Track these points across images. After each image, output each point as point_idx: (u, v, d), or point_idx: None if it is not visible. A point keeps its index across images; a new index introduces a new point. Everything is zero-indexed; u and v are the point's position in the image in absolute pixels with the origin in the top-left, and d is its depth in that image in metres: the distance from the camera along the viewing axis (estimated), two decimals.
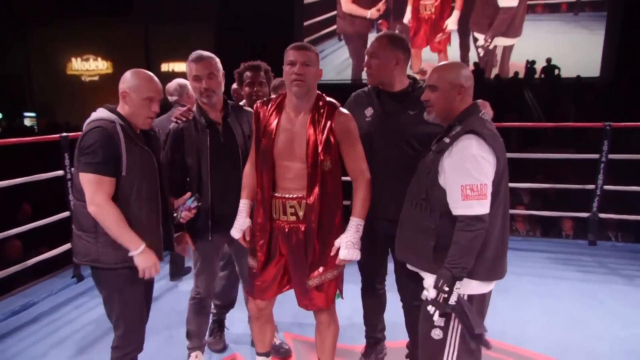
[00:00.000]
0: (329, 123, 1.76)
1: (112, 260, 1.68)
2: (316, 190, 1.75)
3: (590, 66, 11.79)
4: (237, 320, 2.62)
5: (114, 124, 1.65)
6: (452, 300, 1.50)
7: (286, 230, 1.82)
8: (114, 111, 1.70)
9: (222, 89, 2.09)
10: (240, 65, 2.43)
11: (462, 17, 13.00)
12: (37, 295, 3.06)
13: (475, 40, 12.96)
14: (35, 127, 13.53)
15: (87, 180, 1.62)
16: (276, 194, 1.82)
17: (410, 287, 1.91)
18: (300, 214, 1.79)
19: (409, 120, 1.88)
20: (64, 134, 3.26)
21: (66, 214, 3.31)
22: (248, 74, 2.39)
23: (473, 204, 1.50)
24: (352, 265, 1.93)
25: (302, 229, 1.79)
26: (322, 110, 1.78)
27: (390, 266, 2.08)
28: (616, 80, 10.84)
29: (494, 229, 1.56)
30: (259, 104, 1.88)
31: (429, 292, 1.55)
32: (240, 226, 1.91)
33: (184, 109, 2.12)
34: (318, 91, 1.83)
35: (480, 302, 1.62)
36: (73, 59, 16.13)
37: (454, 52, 12.88)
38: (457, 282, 1.50)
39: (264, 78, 2.40)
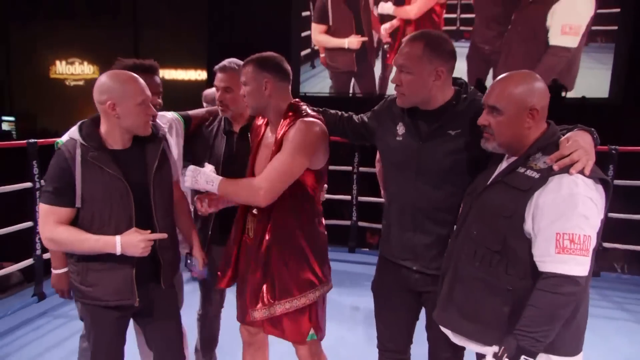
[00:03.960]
0: (285, 132, 1.64)
1: (77, 294, 1.64)
2: (269, 209, 1.65)
3: (598, 88, 11.91)
4: None
5: (74, 145, 1.52)
6: None
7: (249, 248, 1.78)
8: (84, 127, 1.55)
9: (244, 105, 1.97)
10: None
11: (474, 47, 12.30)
12: None
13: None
14: (14, 133, 13.47)
15: (40, 211, 1.54)
16: (254, 212, 1.76)
17: (446, 354, 1.67)
18: (251, 232, 1.74)
19: (449, 146, 1.54)
20: (32, 140, 3.20)
21: (28, 224, 3.25)
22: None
23: (569, 261, 1.22)
24: (335, 296, 1.85)
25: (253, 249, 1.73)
26: (285, 123, 1.68)
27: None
28: (627, 102, 10.95)
29: (586, 291, 1.35)
30: (257, 118, 1.87)
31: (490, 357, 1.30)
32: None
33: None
34: (294, 101, 1.71)
35: None
36: (57, 62, 16.17)
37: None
38: (524, 356, 1.24)
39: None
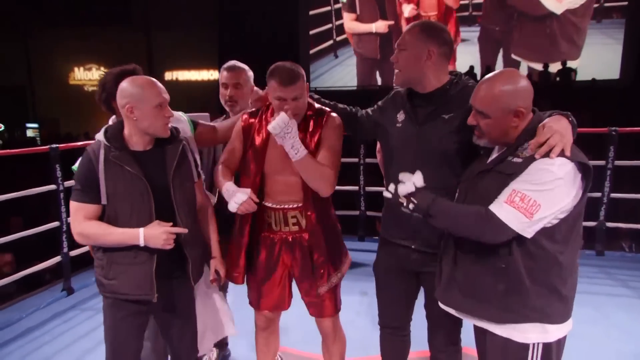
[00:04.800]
0: (318, 132, 1.75)
1: (100, 287, 1.68)
2: (312, 200, 1.77)
3: (609, 68, 11.72)
4: None
5: (99, 146, 1.60)
6: (407, 206, 1.47)
7: (290, 240, 1.83)
8: (109, 129, 1.64)
9: (248, 101, 2.09)
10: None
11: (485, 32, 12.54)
12: (25, 309, 3.14)
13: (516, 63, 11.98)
14: (38, 139, 13.81)
15: (71, 208, 1.61)
16: (273, 205, 1.81)
17: (444, 330, 1.77)
18: (303, 222, 1.81)
19: (443, 129, 1.63)
20: (54, 145, 3.35)
21: (55, 224, 3.40)
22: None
23: (510, 211, 1.31)
24: (344, 282, 1.93)
25: (307, 237, 1.81)
26: (311, 121, 1.76)
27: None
28: (638, 82, 10.74)
29: (573, 265, 1.41)
30: (246, 116, 1.87)
31: (406, 185, 1.47)
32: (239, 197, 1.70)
33: None
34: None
35: (559, 349, 1.45)
36: (76, 69, 16.50)
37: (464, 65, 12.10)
38: (416, 212, 1.45)
39: None
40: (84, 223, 1.58)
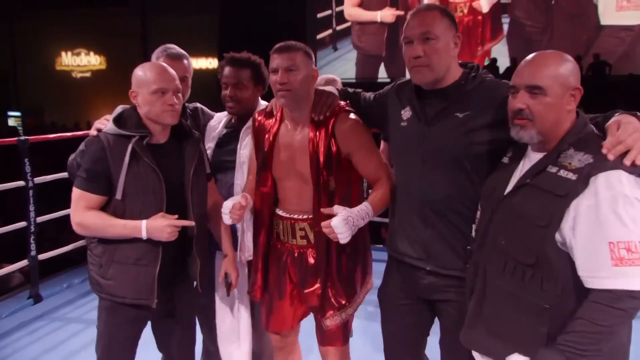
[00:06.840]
0: (328, 132, 1.63)
1: (95, 287, 1.68)
2: (324, 214, 1.61)
3: None
4: None
5: (117, 135, 1.59)
6: None
7: (296, 254, 1.76)
8: (126, 116, 1.63)
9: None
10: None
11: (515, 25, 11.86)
12: None
13: None
14: (20, 128, 13.83)
15: (73, 195, 1.61)
16: (283, 214, 1.76)
17: None
18: (311, 237, 1.71)
19: (458, 129, 1.47)
20: (23, 137, 3.27)
21: (22, 224, 3.33)
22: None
23: (630, 273, 1.11)
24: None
25: (314, 254, 1.72)
26: (322, 117, 1.65)
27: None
28: None
29: None
30: (257, 113, 1.81)
31: None
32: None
33: None
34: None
35: None
36: (63, 53, 16.55)
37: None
38: None
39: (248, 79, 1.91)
40: (85, 213, 1.59)
